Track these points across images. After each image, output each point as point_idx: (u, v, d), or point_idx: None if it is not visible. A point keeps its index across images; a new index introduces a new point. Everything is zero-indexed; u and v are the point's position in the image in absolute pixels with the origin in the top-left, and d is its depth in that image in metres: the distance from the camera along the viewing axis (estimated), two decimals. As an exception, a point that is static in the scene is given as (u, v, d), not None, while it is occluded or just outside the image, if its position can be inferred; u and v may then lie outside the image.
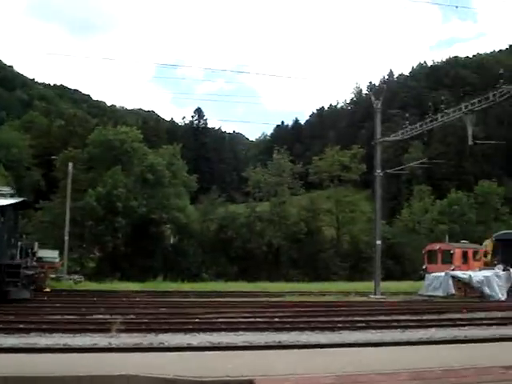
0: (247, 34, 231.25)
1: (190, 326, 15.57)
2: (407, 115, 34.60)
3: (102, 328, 14.46)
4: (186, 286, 35.80)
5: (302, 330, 15.84)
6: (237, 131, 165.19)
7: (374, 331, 16.11)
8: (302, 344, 12.87)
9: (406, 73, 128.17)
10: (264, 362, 9.89)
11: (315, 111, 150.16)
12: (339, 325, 17.09)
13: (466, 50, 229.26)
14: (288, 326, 16.56)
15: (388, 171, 36.13)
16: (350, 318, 19.17)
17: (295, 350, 11.81)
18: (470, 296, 30.06)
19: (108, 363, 9.24)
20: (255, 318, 18.33)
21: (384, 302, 27.22)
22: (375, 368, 9.46)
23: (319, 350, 11.86)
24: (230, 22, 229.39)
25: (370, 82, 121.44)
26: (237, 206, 69.30)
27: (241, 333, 14.80)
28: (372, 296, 30.17)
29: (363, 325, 17.46)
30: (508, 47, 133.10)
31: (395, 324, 17.79)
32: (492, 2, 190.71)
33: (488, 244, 38.03)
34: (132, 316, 17.78)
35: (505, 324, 18.39)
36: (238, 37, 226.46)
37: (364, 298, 29.39)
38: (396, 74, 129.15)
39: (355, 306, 24.49)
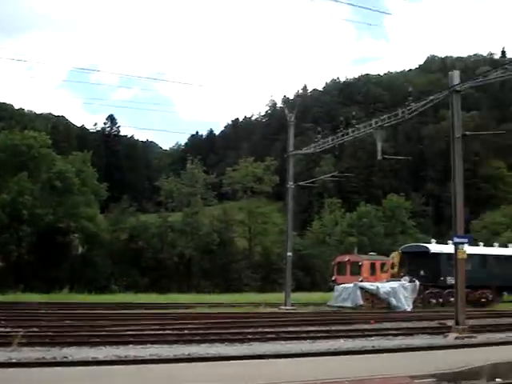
0: (165, 41, 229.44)
1: (97, 339, 14.99)
2: (320, 129, 35.09)
3: (3, 342, 13.67)
4: (94, 298, 34.76)
5: (212, 341, 15.61)
6: (150, 140, 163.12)
7: (283, 342, 16.09)
8: (211, 356, 12.64)
9: (320, 88, 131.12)
10: (172, 373, 9.66)
11: (230, 122, 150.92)
12: (249, 336, 16.98)
13: (378, 68, 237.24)
14: (198, 338, 16.28)
15: (300, 184, 36.57)
16: (260, 330, 19.10)
17: (205, 363, 11.59)
18: (378, 307, 30.78)
19: (7, 378, 8.71)
20: (164, 330, 17.92)
21: (294, 313, 27.38)
22: (285, 380, 9.39)
23: (229, 362, 11.70)
24: (148, 28, 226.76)
25: (285, 96, 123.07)
26: (148, 215, 68.13)
27: (149, 346, 14.40)
28: (282, 307, 30.27)
29: (273, 336, 17.43)
30: (417, 67, 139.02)
31: (305, 335, 17.86)
32: (403, 22, 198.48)
33: (395, 256, 39.11)
34: (35, 329, 16.94)
35: (411, 334, 18.86)
36: (155, 43, 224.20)
37: (275, 309, 29.45)
38: (310, 89, 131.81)
39: (265, 317, 24.46)
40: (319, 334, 18.10)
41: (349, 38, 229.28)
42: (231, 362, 11.69)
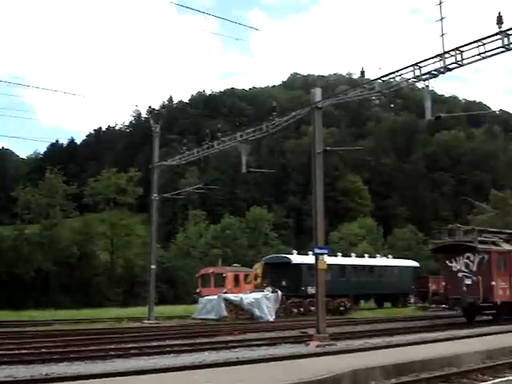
0: (25, 44, 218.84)
1: None
2: (185, 141, 35.06)
3: None
4: None
5: (71, 360, 14.93)
6: (6, 147, 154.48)
7: (147, 358, 15.74)
8: (70, 375, 12.04)
9: (186, 100, 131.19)
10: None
11: (92, 131, 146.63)
12: (112, 353, 16.44)
13: (243, 83, 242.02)
14: (57, 356, 15.51)
15: (164, 195, 36.15)
16: (122, 346, 18.59)
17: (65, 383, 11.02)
18: (242, 318, 31.07)
19: None
20: (20, 349, 16.91)
21: (158, 327, 26.94)
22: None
23: (89, 381, 11.19)
24: (9, 29, 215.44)
25: (150, 106, 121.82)
26: (3, 227, 64.28)
27: (4, 367, 13.51)
28: (146, 321, 29.69)
29: (137, 351, 17.02)
30: (281, 83, 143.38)
31: (169, 349, 17.61)
32: (268, 39, 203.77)
33: (258, 267, 39.76)
34: None
35: (274, 344, 19.17)
36: (14, 46, 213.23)
37: (138, 324, 28.83)
38: (176, 101, 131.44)
39: (128, 332, 23.87)
40: (184, 348, 17.92)
41: (215, 52, 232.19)
42: (91, 380, 11.18)
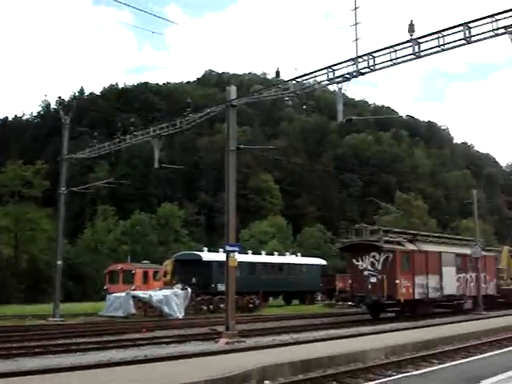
0: None
1: None
2: (96, 134, 34.28)
3: None
4: None
5: (-31, 359, 14.27)
6: None
7: (52, 356, 15.29)
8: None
9: (98, 92, 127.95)
10: None
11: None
12: (14, 351, 15.85)
13: (157, 78, 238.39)
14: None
15: (73, 189, 35.14)
16: (26, 344, 17.96)
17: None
18: (151, 315, 30.74)
19: None
20: None
21: (63, 325, 26.22)
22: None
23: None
24: None
25: (60, 97, 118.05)
26: None
27: None
28: (51, 319, 28.81)
29: (41, 350, 16.49)
30: (196, 80, 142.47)
31: (75, 347, 17.17)
32: (184, 34, 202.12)
33: (168, 264, 39.44)
34: None
35: (183, 341, 19.08)
36: None
37: (43, 321, 27.95)
38: (87, 92, 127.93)
39: (32, 330, 23.08)
40: (90, 346, 17.55)
41: (130, 45, 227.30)
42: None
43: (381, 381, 10.78)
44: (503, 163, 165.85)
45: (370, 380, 11.43)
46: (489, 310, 32.50)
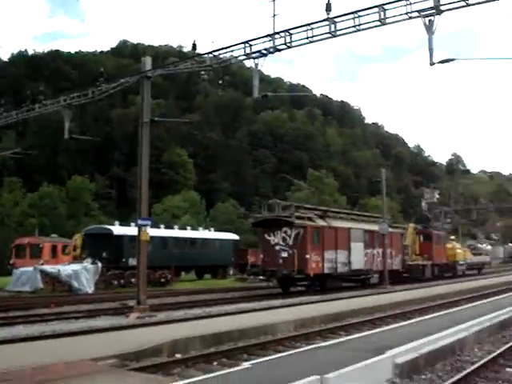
0: None
1: None
2: (3, 102, 32.75)
3: None
4: None
5: None
6: None
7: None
8: None
9: (5, 59, 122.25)
10: None
11: None
12: None
13: (70, 46, 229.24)
14: None
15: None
16: None
17: None
18: (59, 290, 30.03)
19: None
20: None
21: (-35, 300, 25.20)
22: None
23: None
24: None
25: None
26: None
27: None
28: (-48, 294, 27.64)
29: None
30: (110, 49, 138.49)
31: (-22, 323, 16.55)
32: (99, 4, 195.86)
33: (78, 238, 38.62)
34: None
35: (93, 316, 18.79)
36: None
37: None
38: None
39: None
40: (-6, 322, 16.94)
41: (39, 12, 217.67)
42: None
43: (290, 352, 11.03)
44: (411, 144, 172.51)
45: (280, 352, 11.67)
46: (394, 284, 33.84)
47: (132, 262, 31.76)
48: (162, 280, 36.42)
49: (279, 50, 18.22)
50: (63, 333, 14.05)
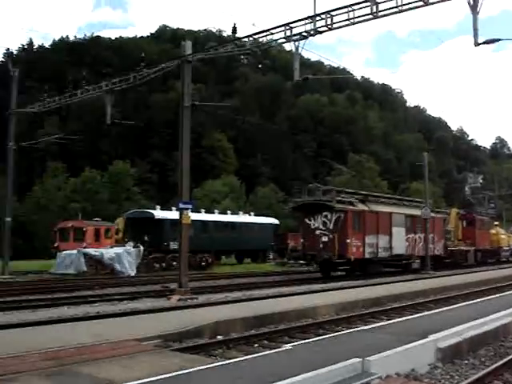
0: None
1: None
2: (46, 88, 33.31)
3: None
4: None
5: None
6: None
7: (1, 313, 15.04)
8: None
9: (47, 45, 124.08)
10: None
11: None
12: (-39, 307, 15.57)
13: (110, 32, 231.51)
14: None
15: (22, 144, 34.23)
16: (-26, 300, 17.66)
17: None
18: (102, 273, 30.58)
19: None
20: None
21: (13, 283, 25.88)
22: (4, 352, 8.75)
23: None
24: None
25: (8, 49, 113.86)
26: None
27: None
28: (0, 276, 28.38)
29: (-10, 306, 16.23)
30: (149, 35, 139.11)
31: (25, 304, 16.96)
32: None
33: (120, 222, 39.20)
34: None
35: (135, 298, 19.08)
36: None
37: (-9, 279, 27.51)
38: (36, 45, 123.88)
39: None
40: (41, 303, 17.34)
41: (86, 3, 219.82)
42: None
43: (330, 335, 11.00)
44: (454, 127, 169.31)
45: (320, 335, 11.64)
46: (436, 269, 33.45)
47: (173, 245, 32.16)
48: (203, 264, 36.75)
49: (320, 33, 18.02)
50: (107, 314, 14.28)
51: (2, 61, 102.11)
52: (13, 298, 18.82)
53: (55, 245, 37.56)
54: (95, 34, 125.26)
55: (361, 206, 30.35)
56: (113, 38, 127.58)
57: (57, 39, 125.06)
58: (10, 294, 20.22)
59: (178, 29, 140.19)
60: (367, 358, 7.88)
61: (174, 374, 7.28)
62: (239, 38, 22.53)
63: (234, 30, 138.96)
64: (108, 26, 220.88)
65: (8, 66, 33.84)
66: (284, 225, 54.69)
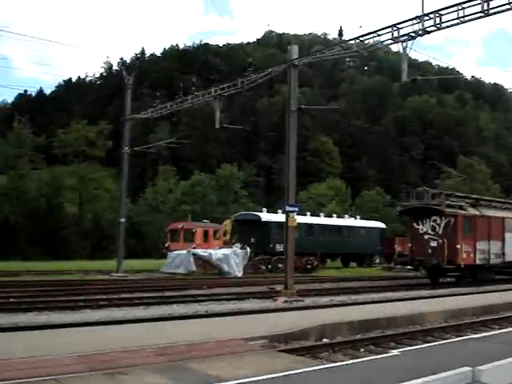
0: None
1: None
2: (158, 94, 34.66)
3: None
4: None
5: (40, 310, 14.95)
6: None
7: (116, 309, 15.81)
8: (40, 325, 12.06)
9: (158, 53, 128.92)
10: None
11: (62, 82, 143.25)
12: (81, 304, 16.51)
13: (217, 39, 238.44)
14: (25, 306, 15.52)
15: (136, 149, 35.80)
16: (91, 297, 18.67)
17: (35, 332, 11.04)
18: (210, 273, 31.36)
19: None
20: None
21: (126, 280, 27.07)
22: (119, 346, 9.21)
23: (59, 330, 11.26)
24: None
25: (122, 58, 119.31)
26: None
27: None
28: (114, 274, 29.78)
29: (106, 303, 17.09)
30: (255, 40, 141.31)
31: (138, 301, 17.72)
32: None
33: (227, 224, 40.00)
34: None
35: (242, 299, 19.42)
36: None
37: (106, 277, 28.90)
38: (148, 54, 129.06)
39: (97, 284, 23.92)
40: (152, 300, 18.06)
41: (195, 11, 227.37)
42: (68, 329, 11.26)
43: (439, 343, 10.74)
44: None
45: (428, 342, 11.38)
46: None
47: (279, 247, 32.46)
48: (308, 266, 36.77)
49: (429, 33, 17.63)
50: (215, 313, 14.67)
51: (116, 69, 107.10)
52: (126, 295, 19.69)
53: (166, 245, 38.91)
54: (204, 42, 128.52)
55: (471, 211, 29.29)
56: (220, 45, 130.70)
57: (167, 47, 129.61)
58: (123, 291, 21.18)
59: (284, 33, 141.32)
60: (478, 368, 7.63)
61: (280, 374, 7.38)
62: (345, 41, 22.42)
63: (340, 32, 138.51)
64: (216, 34, 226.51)
65: (122, 74, 35.38)
66: (391, 229, 53.72)
